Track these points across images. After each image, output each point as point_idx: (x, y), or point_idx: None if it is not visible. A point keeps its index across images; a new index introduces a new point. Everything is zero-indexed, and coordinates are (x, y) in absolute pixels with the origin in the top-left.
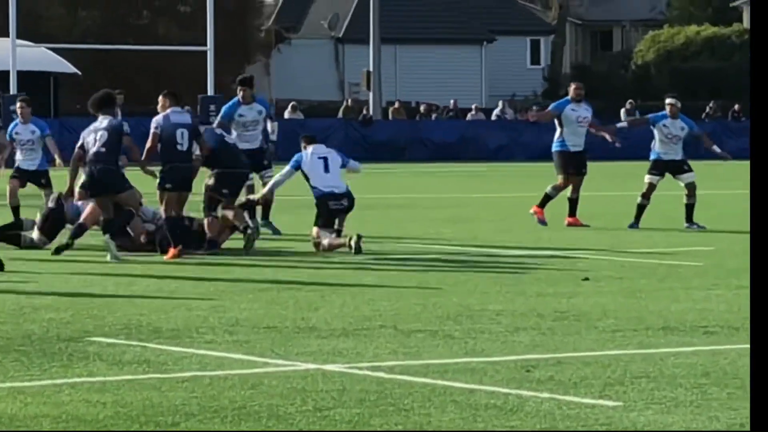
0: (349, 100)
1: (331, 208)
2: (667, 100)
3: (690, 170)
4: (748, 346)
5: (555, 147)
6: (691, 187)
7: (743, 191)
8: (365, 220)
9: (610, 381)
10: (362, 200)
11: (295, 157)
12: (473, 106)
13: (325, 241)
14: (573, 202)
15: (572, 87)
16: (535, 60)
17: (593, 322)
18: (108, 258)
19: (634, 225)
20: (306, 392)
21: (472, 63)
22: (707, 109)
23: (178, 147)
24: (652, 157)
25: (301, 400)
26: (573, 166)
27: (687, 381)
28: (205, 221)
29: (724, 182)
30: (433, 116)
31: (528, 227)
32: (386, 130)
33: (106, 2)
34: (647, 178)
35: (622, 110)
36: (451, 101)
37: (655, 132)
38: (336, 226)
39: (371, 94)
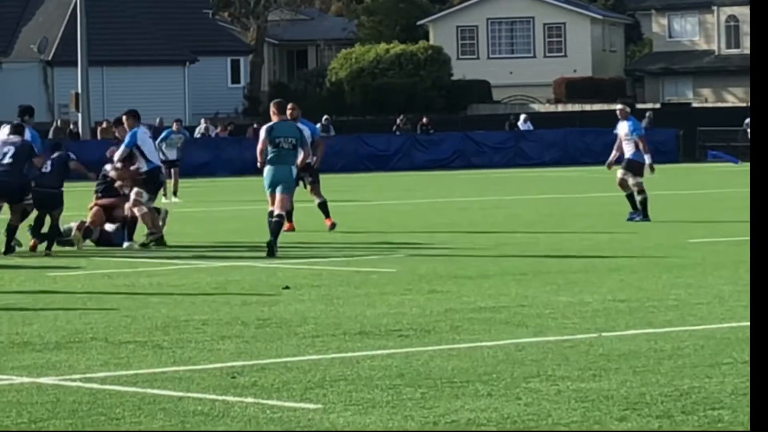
0: (59, 121)
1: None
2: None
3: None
4: (440, 347)
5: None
6: None
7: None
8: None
9: (311, 384)
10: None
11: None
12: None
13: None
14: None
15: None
16: (235, 79)
17: (294, 328)
18: None
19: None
20: (21, 405)
21: (176, 83)
22: (397, 122)
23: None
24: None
25: (17, 413)
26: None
27: (383, 383)
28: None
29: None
30: None
31: (230, 238)
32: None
33: None
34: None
35: (318, 125)
36: (157, 120)
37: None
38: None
39: (80, 115)
